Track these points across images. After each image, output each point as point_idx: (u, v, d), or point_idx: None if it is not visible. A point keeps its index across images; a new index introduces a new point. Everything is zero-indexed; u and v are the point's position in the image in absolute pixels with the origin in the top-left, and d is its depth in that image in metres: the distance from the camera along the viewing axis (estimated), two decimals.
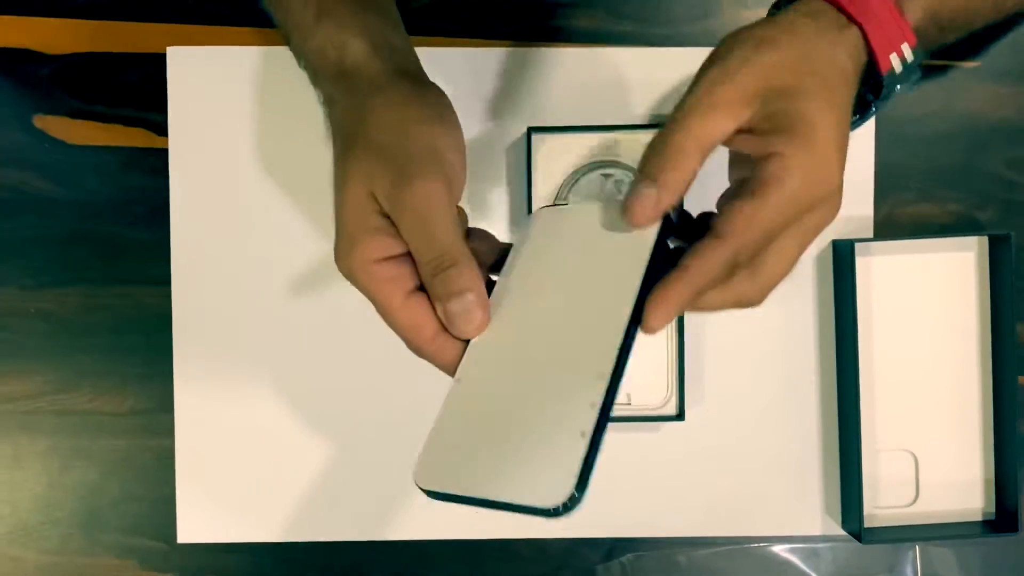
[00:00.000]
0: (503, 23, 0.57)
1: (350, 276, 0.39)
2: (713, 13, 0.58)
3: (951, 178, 0.58)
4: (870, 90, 0.42)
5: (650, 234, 0.38)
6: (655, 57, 0.57)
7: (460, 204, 0.42)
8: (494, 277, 0.41)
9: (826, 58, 0.38)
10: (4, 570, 0.58)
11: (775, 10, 0.43)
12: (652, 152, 0.37)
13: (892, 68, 0.40)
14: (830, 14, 0.39)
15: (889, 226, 0.58)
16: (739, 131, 0.37)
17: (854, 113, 0.42)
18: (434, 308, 0.39)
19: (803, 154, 0.36)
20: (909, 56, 0.41)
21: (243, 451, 0.58)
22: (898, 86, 0.42)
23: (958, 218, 0.58)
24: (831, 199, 0.37)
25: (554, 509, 0.33)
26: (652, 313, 0.36)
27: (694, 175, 0.37)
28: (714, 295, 0.38)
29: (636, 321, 0.37)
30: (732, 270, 0.37)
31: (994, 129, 0.58)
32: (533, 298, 0.40)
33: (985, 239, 0.57)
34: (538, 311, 0.39)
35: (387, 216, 0.38)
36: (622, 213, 0.38)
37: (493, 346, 0.39)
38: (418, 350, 0.40)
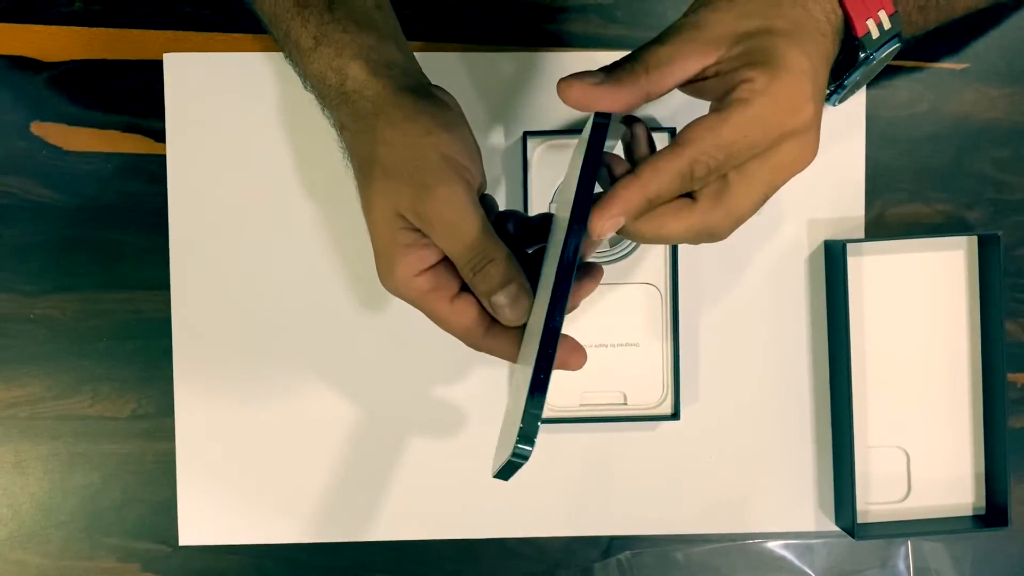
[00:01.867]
0: (497, 28, 0.58)
1: (397, 293, 0.41)
2: None
3: (941, 179, 0.59)
4: (846, 58, 0.42)
5: (586, 136, 0.37)
6: None
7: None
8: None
9: (801, 9, 0.38)
10: (7, 574, 0.58)
11: None
12: (617, 65, 0.38)
13: (868, 32, 0.40)
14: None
15: (880, 226, 0.59)
16: (706, 76, 0.37)
17: (831, 81, 0.42)
18: (480, 306, 0.41)
19: (773, 81, 0.36)
20: (886, 23, 0.40)
21: (244, 454, 0.58)
22: (873, 55, 0.41)
23: (948, 218, 0.59)
24: (803, 134, 0.37)
25: (502, 468, 0.35)
26: (597, 215, 0.36)
27: (642, 95, 0.37)
28: (675, 221, 0.37)
29: (577, 234, 0.36)
30: (689, 183, 0.36)
31: (983, 130, 0.59)
32: (550, 251, 0.40)
33: (974, 239, 0.58)
34: (548, 265, 0.39)
35: (417, 230, 0.40)
36: (557, 88, 0.38)
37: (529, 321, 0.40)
38: (477, 347, 0.42)
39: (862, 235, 0.59)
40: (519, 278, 0.40)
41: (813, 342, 0.59)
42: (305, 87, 0.47)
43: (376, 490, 0.58)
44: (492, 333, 0.41)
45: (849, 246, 0.56)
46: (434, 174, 0.40)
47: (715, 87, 0.37)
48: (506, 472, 0.36)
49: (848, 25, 0.40)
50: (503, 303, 0.39)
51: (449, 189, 0.39)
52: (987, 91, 0.59)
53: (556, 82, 0.38)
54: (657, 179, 0.36)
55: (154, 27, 0.57)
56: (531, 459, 0.59)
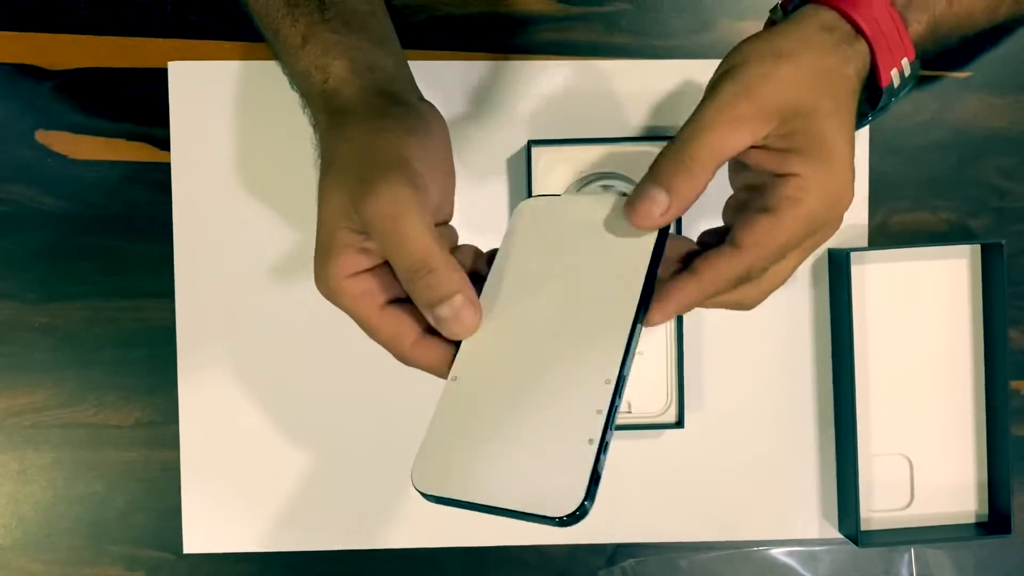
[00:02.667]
0: (503, 37, 0.58)
1: (326, 295, 0.39)
2: (709, 26, 0.58)
3: (944, 187, 0.59)
4: (867, 100, 0.42)
5: (650, 238, 0.38)
6: (653, 70, 0.58)
7: (451, 224, 0.43)
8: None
9: (839, 75, 0.39)
10: None
11: (780, 13, 0.43)
12: (665, 159, 0.37)
13: (892, 82, 0.41)
14: (843, 28, 0.39)
15: (883, 235, 0.59)
16: (753, 146, 0.38)
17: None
18: (413, 315, 0.38)
19: (822, 176, 0.37)
20: (907, 70, 0.41)
21: (248, 461, 0.58)
22: (893, 98, 0.42)
23: (951, 226, 0.59)
24: (841, 217, 0.39)
25: (563, 519, 0.33)
26: (658, 310, 0.37)
27: (705, 187, 0.37)
28: (711, 302, 0.39)
29: (638, 324, 0.37)
30: (744, 282, 0.38)
31: (986, 138, 0.59)
32: (528, 294, 0.39)
33: (978, 247, 0.58)
34: (535, 308, 0.38)
35: (360, 232, 0.38)
36: (625, 211, 0.37)
37: (490, 344, 0.38)
38: (403, 359, 0.39)
39: (866, 243, 0.59)
40: (466, 290, 0.37)
41: (817, 350, 0.59)
42: (292, 86, 0.46)
43: (381, 498, 0.58)
44: (421, 347, 0.39)
45: (853, 254, 0.56)
46: (380, 169, 0.38)
47: (759, 162, 0.38)
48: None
49: (874, 75, 0.40)
50: (446, 316, 0.37)
51: (392, 188, 0.37)
52: (991, 100, 0.59)
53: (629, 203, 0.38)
54: (716, 282, 0.37)
55: (159, 36, 0.57)
56: None
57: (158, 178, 0.58)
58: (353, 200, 0.37)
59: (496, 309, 0.39)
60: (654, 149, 0.57)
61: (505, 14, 0.58)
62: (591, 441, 0.34)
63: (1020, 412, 0.60)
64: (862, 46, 0.40)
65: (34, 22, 0.57)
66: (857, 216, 0.59)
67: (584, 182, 0.57)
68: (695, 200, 0.37)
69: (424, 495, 0.36)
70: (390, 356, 0.58)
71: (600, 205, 0.39)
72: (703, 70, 0.58)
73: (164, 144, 0.58)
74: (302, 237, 0.58)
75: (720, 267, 0.37)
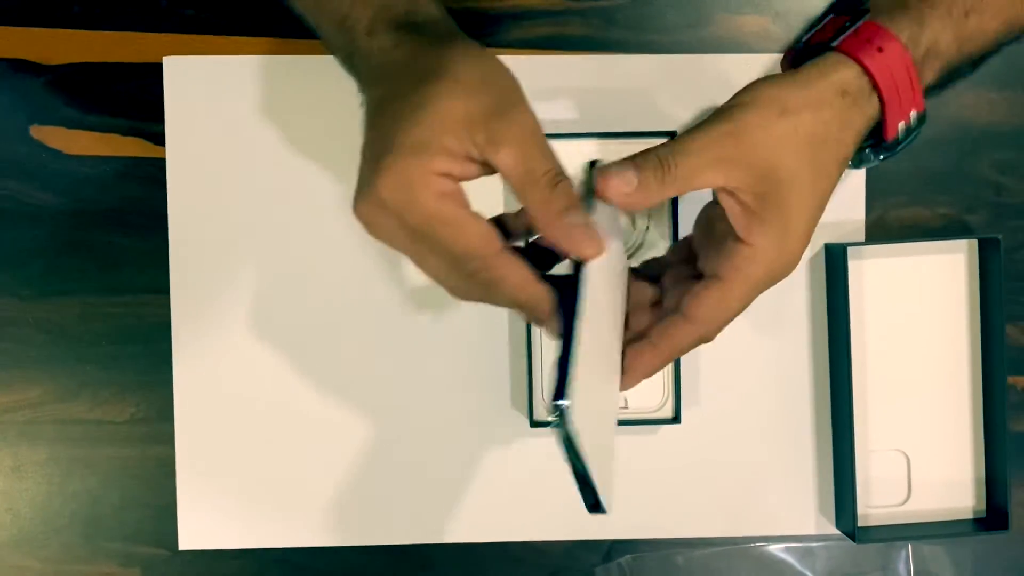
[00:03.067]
0: (499, 31, 0.58)
1: (407, 187, 0.36)
2: (706, 21, 0.58)
3: (941, 182, 0.59)
4: (871, 147, 0.44)
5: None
6: (650, 64, 0.58)
7: None
8: None
9: (834, 143, 0.40)
10: None
11: (806, 52, 0.43)
12: (652, 160, 0.39)
13: (897, 135, 0.42)
14: (858, 87, 0.40)
15: (880, 229, 0.59)
16: (725, 188, 0.39)
17: (851, 164, 0.44)
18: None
19: (775, 250, 0.39)
20: (914, 121, 0.42)
21: (243, 458, 0.58)
22: (899, 147, 0.44)
23: (948, 221, 0.59)
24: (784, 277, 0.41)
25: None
26: (626, 380, 0.41)
27: (663, 200, 0.40)
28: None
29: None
30: (699, 344, 0.41)
31: (984, 133, 0.59)
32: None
33: (975, 242, 0.58)
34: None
35: (463, 152, 0.37)
36: (596, 176, 0.39)
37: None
38: (482, 271, 0.37)
39: (863, 238, 0.59)
40: (582, 211, 0.38)
41: (814, 345, 0.59)
42: (325, 27, 0.44)
43: (377, 494, 0.58)
44: (507, 255, 0.38)
45: (850, 249, 0.56)
46: (518, 95, 0.39)
47: (726, 206, 0.40)
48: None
49: (881, 125, 0.42)
50: (578, 222, 0.37)
51: (528, 106, 0.38)
52: (988, 95, 0.59)
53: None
54: (673, 351, 0.41)
55: (154, 30, 0.57)
56: (533, 463, 0.59)
57: (153, 173, 0.58)
58: (491, 110, 0.37)
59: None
60: (651, 144, 0.57)
61: (501, 8, 0.58)
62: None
63: (1017, 408, 0.60)
64: (875, 102, 0.41)
65: (28, 17, 0.57)
66: (854, 211, 0.59)
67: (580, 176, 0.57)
68: (652, 204, 0.39)
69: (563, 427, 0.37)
70: (384, 354, 0.58)
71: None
72: (700, 65, 0.58)
73: (159, 139, 0.58)
74: (298, 231, 0.58)
75: (676, 338, 0.41)
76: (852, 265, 0.57)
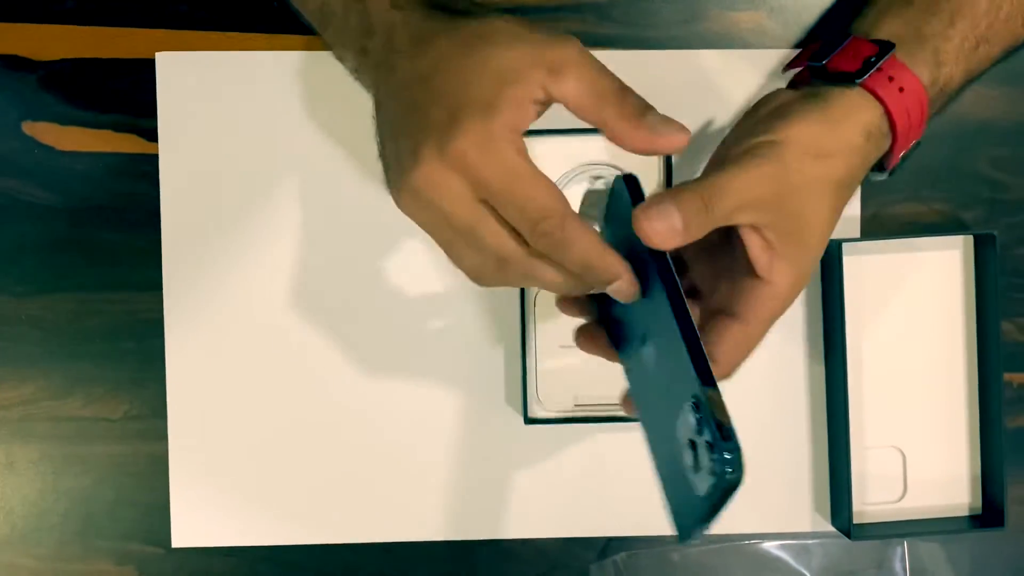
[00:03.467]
0: None
1: (487, 145, 0.36)
2: (701, 16, 0.58)
3: (937, 178, 0.59)
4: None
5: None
6: (643, 60, 0.58)
7: None
8: None
9: (855, 183, 0.42)
10: None
11: (822, 72, 0.43)
12: (690, 202, 0.38)
13: (897, 163, 0.44)
14: (881, 129, 0.42)
15: (876, 225, 0.59)
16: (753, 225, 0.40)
17: None
18: None
19: (792, 286, 0.40)
20: (911, 147, 0.45)
21: (237, 455, 0.58)
22: (894, 171, 0.46)
23: (944, 218, 0.59)
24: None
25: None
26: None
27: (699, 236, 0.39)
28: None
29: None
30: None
31: (979, 129, 0.59)
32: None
33: (970, 238, 0.58)
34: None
35: (529, 97, 0.38)
36: (637, 217, 0.37)
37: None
38: (560, 224, 0.37)
39: (858, 234, 0.58)
40: None
41: (809, 341, 0.59)
42: (348, 7, 0.44)
43: (371, 492, 0.58)
44: (575, 215, 0.38)
45: (845, 245, 0.56)
46: (557, 35, 0.39)
47: (748, 242, 0.40)
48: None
49: (885, 154, 0.43)
50: (659, 119, 0.38)
51: (576, 41, 0.39)
52: (983, 91, 0.58)
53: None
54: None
55: (147, 26, 0.57)
56: (528, 460, 0.59)
57: (146, 169, 0.57)
58: (544, 46, 0.38)
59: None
60: None
61: (497, 4, 0.57)
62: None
63: (1013, 404, 0.59)
64: (888, 139, 0.42)
65: (20, 12, 0.57)
66: (849, 207, 0.58)
67: (575, 173, 0.57)
68: (690, 240, 0.38)
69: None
70: (377, 352, 0.58)
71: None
72: (695, 60, 0.58)
73: (152, 135, 0.57)
74: (291, 228, 0.58)
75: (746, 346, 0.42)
76: (847, 261, 0.57)
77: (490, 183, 0.37)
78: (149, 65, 0.57)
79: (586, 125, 0.56)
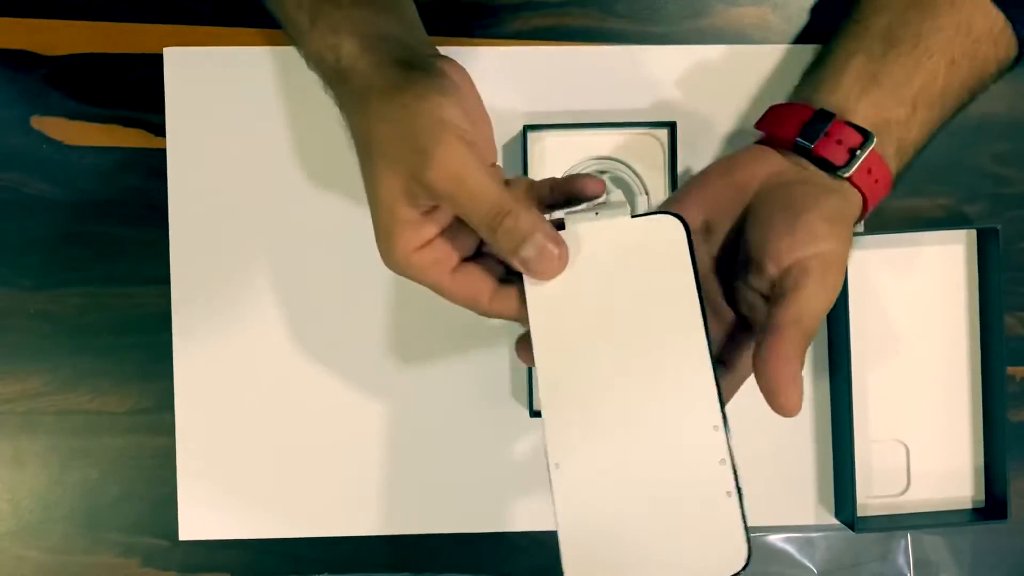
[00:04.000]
0: (498, 22, 0.58)
1: (398, 271, 0.41)
2: (705, 12, 0.58)
3: (940, 173, 0.59)
4: None
5: (686, 271, 0.38)
6: (649, 55, 0.58)
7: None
8: (558, 215, 0.41)
9: (851, 238, 0.43)
10: (6, 569, 0.58)
11: (802, 150, 0.45)
12: (778, 362, 0.40)
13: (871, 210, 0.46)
14: (861, 214, 0.45)
15: (879, 220, 0.59)
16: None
17: None
18: (485, 270, 0.41)
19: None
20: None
21: (243, 448, 0.58)
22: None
23: (947, 212, 0.59)
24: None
25: (738, 573, 0.35)
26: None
27: None
28: None
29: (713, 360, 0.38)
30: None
31: (982, 125, 0.59)
32: (579, 347, 0.38)
33: (973, 233, 0.58)
34: (597, 361, 0.37)
35: (416, 206, 0.39)
36: (780, 407, 0.40)
37: (575, 417, 0.37)
38: (483, 313, 0.41)
39: (861, 229, 0.59)
40: (544, 227, 0.38)
41: None
42: (309, 68, 0.46)
43: (376, 484, 0.58)
44: (499, 297, 0.40)
45: None
46: (430, 138, 0.38)
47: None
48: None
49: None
50: (531, 256, 0.38)
51: (447, 150, 0.37)
52: None
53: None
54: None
55: (154, 21, 0.57)
56: (533, 453, 0.59)
57: (153, 164, 0.58)
58: (413, 173, 0.38)
59: (557, 372, 0.38)
60: (649, 134, 0.57)
61: None
62: (729, 493, 0.35)
63: (1016, 398, 0.60)
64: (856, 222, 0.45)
65: (28, 7, 0.57)
66: None
67: (580, 168, 0.57)
68: None
69: None
70: (384, 345, 0.58)
71: (612, 231, 0.39)
72: (699, 56, 0.58)
73: (159, 130, 0.58)
74: (298, 223, 0.58)
75: (729, 391, 0.44)
76: (851, 256, 0.57)
77: (422, 284, 0.41)
78: (157, 60, 0.57)
79: (592, 120, 0.57)
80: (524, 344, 0.41)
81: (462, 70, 0.43)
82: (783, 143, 0.46)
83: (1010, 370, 0.59)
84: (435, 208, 0.40)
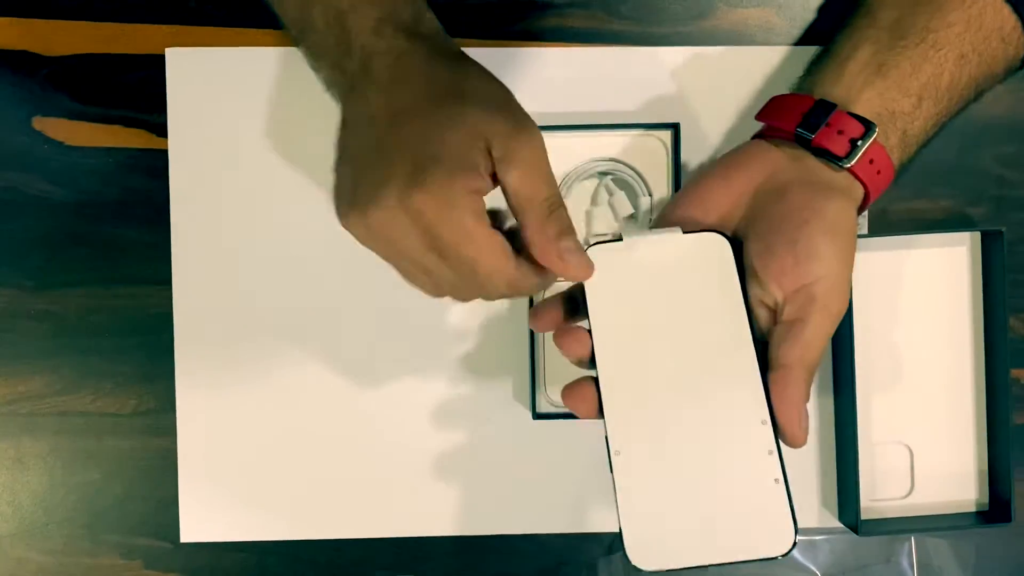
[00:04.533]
0: (502, 23, 0.58)
1: (447, 203, 0.38)
2: (709, 13, 0.58)
3: (944, 175, 0.59)
4: None
5: (731, 275, 0.41)
6: (652, 57, 0.58)
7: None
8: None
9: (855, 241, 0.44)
10: (8, 571, 0.58)
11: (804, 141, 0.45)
12: (790, 391, 0.41)
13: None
14: (859, 204, 0.45)
15: (884, 222, 0.59)
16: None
17: None
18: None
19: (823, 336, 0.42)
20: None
21: (245, 450, 0.58)
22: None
23: (951, 214, 0.59)
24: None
25: (783, 555, 0.38)
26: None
27: None
28: None
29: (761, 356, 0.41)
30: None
31: (986, 127, 0.59)
32: (638, 348, 0.41)
33: (978, 235, 0.58)
34: (654, 364, 0.41)
35: (489, 168, 0.39)
36: (790, 438, 0.40)
37: (631, 410, 0.40)
38: (505, 277, 0.40)
39: (866, 231, 0.59)
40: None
41: None
42: (317, 56, 0.46)
43: (380, 487, 0.58)
44: (522, 265, 0.40)
45: None
46: (525, 116, 0.40)
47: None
48: None
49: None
50: (571, 247, 0.39)
51: (535, 131, 0.40)
52: None
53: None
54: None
55: (156, 21, 0.57)
56: (536, 455, 0.59)
57: (155, 165, 0.58)
58: (506, 134, 0.39)
59: (618, 371, 0.41)
60: (653, 136, 0.57)
61: (504, 0, 0.58)
62: (777, 480, 0.38)
63: (1020, 400, 0.59)
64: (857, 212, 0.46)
65: (30, 8, 0.57)
66: None
67: (582, 169, 0.57)
68: None
69: (650, 573, 0.39)
70: (386, 347, 0.58)
71: (665, 245, 0.42)
72: (703, 57, 0.58)
73: (161, 131, 0.57)
74: (300, 223, 0.58)
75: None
76: (856, 257, 0.57)
77: (443, 240, 0.39)
78: (159, 61, 0.57)
79: (596, 121, 0.57)
80: (570, 390, 0.42)
81: None
82: (784, 134, 0.45)
83: (1014, 372, 0.59)
84: (490, 178, 0.40)
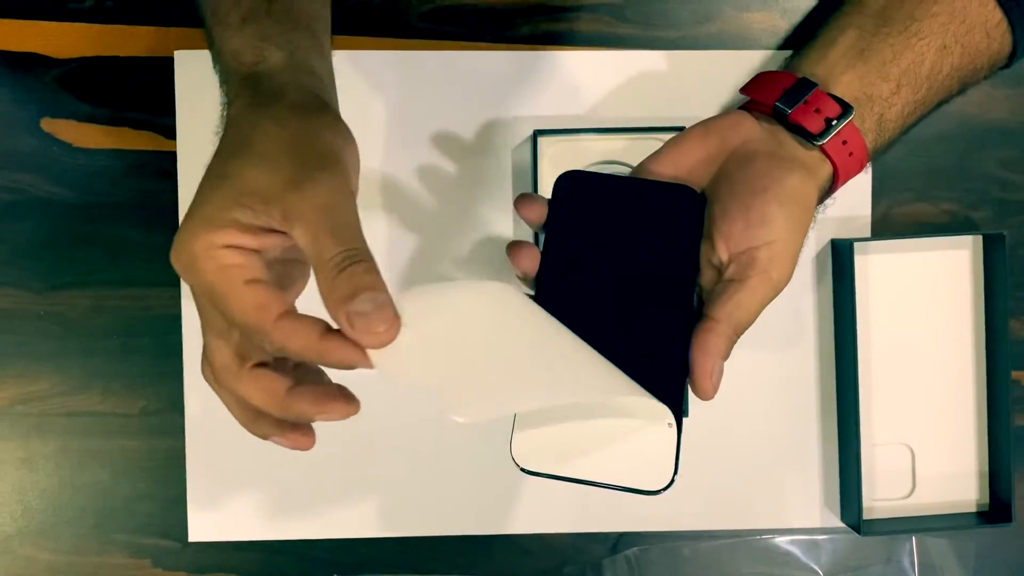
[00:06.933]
0: (509, 27, 0.58)
1: (191, 260, 0.36)
2: (714, 17, 0.59)
3: (946, 178, 0.59)
4: None
5: (693, 226, 0.42)
6: (659, 60, 0.58)
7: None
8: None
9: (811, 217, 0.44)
10: (17, 570, 0.58)
11: (780, 116, 0.45)
12: (717, 338, 0.41)
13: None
14: (827, 184, 0.45)
15: (886, 225, 0.59)
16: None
17: None
18: (280, 296, 0.37)
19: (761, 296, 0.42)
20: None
21: (253, 450, 0.58)
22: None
23: (953, 217, 0.60)
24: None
25: (657, 491, 0.39)
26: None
27: None
28: None
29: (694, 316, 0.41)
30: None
31: (988, 130, 0.59)
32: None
33: (979, 238, 0.59)
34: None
35: (258, 217, 0.36)
36: (698, 386, 0.41)
37: (558, 318, 0.40)
38: (263, 333, 0.36)
39: (869, 234, 0.59)
40: (386, 291, 0.36)
41: (820, 340, 0.59)
42: (214, 66, 0.45)
43: (385, 486, 0.59)
44: (287, 322, 0.36)
45: (856, 244, 0.57)
46: (320, 160, 0.37)
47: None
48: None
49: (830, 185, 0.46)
50: (365, 309, 0.35)
51: (333, 179, 0.37)
52: (992, 91, 0.59)
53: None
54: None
55: (165, 24, 0.57)
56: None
57: (164, 167, 0.58)
58: (286, 183, 0.36)
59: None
60: (660, 139, 0.57)
61: (511, 4, 0.58)
62: (671, 425, 0.39)
63: (1021, 402, 0.60)
64: (826, 193, 0.46)
65: (39, 11, 0.57)
66: (860, 207, 0.59)
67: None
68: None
69: (525, 471, 0.39)
70: None
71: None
72: (708, 60, 0.58)
73: (170, 133, 0.58)
74: None
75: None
76: (858, 260, 0.57)
77: (200, 293, 0.37)
78: (167, 63, 0.57)
79: (602, 125, 0.57)
80: (516, 248, 0.42)
81: (355, 141, 0.42)
82: (764, 108, 0.46)
83: (1015, 374, 0.60)
84: (270, 234, 0.37)
